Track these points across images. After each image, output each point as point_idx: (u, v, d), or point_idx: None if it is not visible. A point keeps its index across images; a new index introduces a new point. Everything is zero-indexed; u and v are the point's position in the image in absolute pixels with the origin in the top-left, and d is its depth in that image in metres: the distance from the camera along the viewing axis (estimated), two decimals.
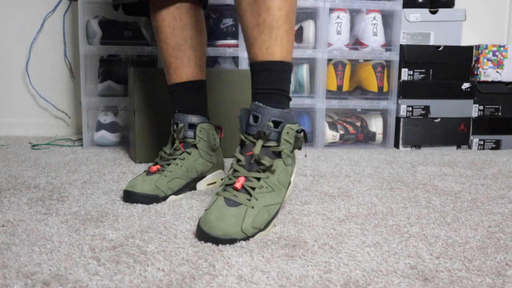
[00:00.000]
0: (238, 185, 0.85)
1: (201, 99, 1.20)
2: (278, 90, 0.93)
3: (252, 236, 0.82)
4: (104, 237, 0.82)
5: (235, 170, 0.89)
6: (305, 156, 1.01)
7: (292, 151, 0.93)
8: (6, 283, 0.64)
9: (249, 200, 0.84)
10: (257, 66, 0.94)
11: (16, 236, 0.82)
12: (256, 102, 0.91)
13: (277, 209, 0.89)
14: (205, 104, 1.20)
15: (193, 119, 1.15)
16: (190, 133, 1.15)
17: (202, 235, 0.80)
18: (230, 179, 0.88)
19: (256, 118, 0.90)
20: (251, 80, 0.96)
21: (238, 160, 0.90)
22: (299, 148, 0.95)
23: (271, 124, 0.89)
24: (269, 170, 0.88)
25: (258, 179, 0.88)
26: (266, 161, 0.88)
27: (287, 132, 0.90)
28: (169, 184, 1.07)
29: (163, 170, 1.09)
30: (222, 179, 1.22)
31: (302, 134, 0.92)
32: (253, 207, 0.84)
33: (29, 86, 2.12)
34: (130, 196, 1.04)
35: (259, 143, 0.88)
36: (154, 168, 1.09)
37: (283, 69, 0.94)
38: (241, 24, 0.96)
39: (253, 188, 0.86)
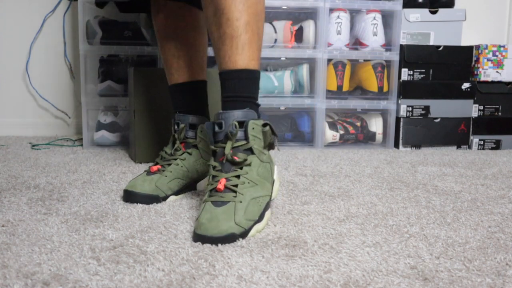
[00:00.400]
0: (220, 186, 0.87)
1: (202, 99, 1.20)
2: (243, 97, 0.96)
3: (250, 229, 0.83)
4: (104, 237, 0.82)
5: (214, 176, 0.90)
6: (278, 149, 1.02)
7: (265, 148, 0.95)
8: (6, 283, 0.64)
9: (235, 196, 0.86)
10: (223, 76, 0.97)
11: (16, 236, 0.82)
12: (219, 112, 0.95)
13: (267, 201, 0.90)
14: (206, 104, 1.20)
15: (194, 119, 1.15)
16: (191, 133, 1.15)
17: (199, 238, 0.80)
18: (211, 184, 0.89)
19: (220, 125, 0.93)
20: (221, 90, 0.99)
21: (214, 167, 0.91)
22: (273, 147, 0.96)
23: (235, 123, 0.91)
24: (245, 165, 0.90)
25: (238, 176, 0.89)
26: (239, 156, 0.89)
27: (253, 128, 0.92)
28: (169, 184, 1.07)
29: (163, 170, 1.09)
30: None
31: (268, 127, 0.94)
32: (241, 201, 0.85)
33: (29, 86, 2.12)
34: (130, 196, 1.04)
35: (229, 144, 0.91)
36: (155, 168, 1.09)
37: (247, 76, 0.96)
38: (209, 37, 1.00)
39: (236, 185, 0.87)
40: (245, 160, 0.90)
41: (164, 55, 1.18)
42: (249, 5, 0.94)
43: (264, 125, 0.93)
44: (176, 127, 1.15)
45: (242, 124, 0.92)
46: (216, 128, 0.93)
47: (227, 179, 0.88)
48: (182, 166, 1.11)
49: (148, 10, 1.26)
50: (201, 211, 0.85)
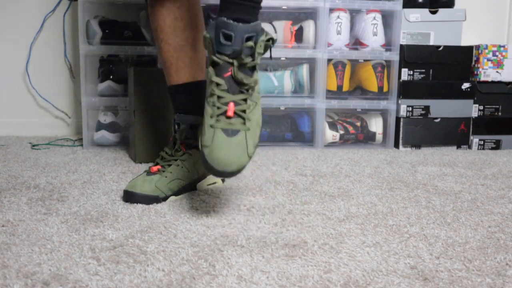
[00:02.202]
0: (230, 113, 0.84)
1: (202, 99, 1.19)
2: (245, 0, 0.90)
3: (253, 154, 0.84)
4: (104, 237, 0.82)
5: (219, 97, 0.85)
6: (271, 58, 0.97)
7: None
8: (6, 283, 0.64)
9: (244, 123, 0.84)
10: None
11: (16, 236, 0.82)
12: (225, 19, 0.87)
13: (261, 113, 0.89)
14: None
15: (195, 119, 1.15)
16: (191, 134, 1.14)
17: (219, 173, 0.81)
18: (218, 108, 0.85)
19: (228, 37, 0.86)
20: None
21: (218, 84, 0.86)
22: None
23: (251, 44, 0.85)
24: (251, 87, 0.87)
25: (245, 100, 0.86)
26: (249, 81, 0.86)
27: (260, 45, 0.88)
28: (169, 185, 1.07)
29: (163, 171, 1.09)
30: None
31: (270, 42, 0.90)
32: (249, 129, 0.84)
33: (29, 86, 2.12)
34: (130, 196, 1.04)
35: (237, 62, 0.85)
36: (155, 168, 1.09)
37: None
38: None
39: (244, 111, 0.85)
40: (256, 81, 0.86)
41: (163, 56, 1.17)
42: None
43: (268, 40, 0.89)
44: (176, 127, 1.15)
45: (250, 39, 0.86)
46: (222, 39, 0.86)
47: (236, 103, 0.84)
48: (182, 167, 1.11)
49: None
50: (211, 138, 0.81)
